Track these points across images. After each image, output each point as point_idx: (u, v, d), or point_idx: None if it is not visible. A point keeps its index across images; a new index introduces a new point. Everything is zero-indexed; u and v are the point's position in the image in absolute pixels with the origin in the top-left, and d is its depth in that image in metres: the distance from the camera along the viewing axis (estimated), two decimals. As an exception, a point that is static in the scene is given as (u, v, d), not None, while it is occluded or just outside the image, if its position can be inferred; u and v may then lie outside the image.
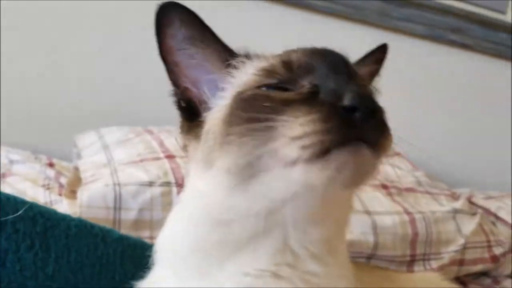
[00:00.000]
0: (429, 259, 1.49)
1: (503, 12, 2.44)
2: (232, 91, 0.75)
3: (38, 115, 1.88)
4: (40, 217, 0.92)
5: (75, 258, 0.93)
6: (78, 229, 0.96)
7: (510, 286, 1.58)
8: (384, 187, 1.64)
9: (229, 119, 0.71)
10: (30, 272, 0.88)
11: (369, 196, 1.55)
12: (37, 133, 1.87)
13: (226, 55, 0.78)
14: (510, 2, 2.44)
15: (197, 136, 0.78)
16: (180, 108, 0.82)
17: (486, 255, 1.57)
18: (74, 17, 1.89)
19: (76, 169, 1.45)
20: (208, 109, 0.78)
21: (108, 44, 1.85)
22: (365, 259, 1.41)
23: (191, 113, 0.81)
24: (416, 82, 2.38)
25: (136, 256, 0.98)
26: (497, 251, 1.59)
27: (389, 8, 2.24)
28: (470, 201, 1.85)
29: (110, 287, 0.96)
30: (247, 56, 0.79)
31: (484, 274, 1.61)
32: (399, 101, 2.36)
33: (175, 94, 0.82)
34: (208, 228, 0.74)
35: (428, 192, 1.71)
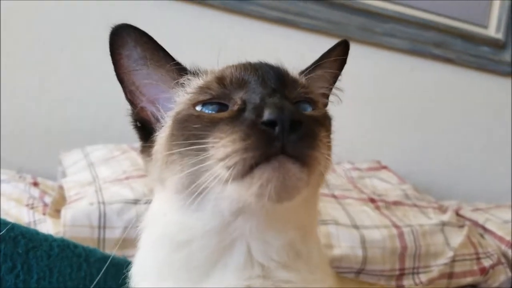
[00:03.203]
0: (418, 273, 1.49)
1: (484, 26, 2.49)
2: (174, 111, 0.76)
3: (23, 134, 1.86)
4: (22, 238, 0.91)
5: (57, 279, 0.91)
6: (61, 249, 0.94)
7: (500, 298, 1.57)
8: (372, 200, 1.64)
9: (170, 139, 0.72)
10: (11, 294, 0.86)
11: (357, 210, 1.55)
12: (22, 152, 1.85)
13: (177, 74, 0.79)
14: (491, 16, 2.49)
15: (150, 156, 0.78)
16: (136, 128, 0.82)
17: (475, 267, 1.56)
18: (60, 36, 1.89)
19: (61, 188, 1.43)
20: (160, 128, 0.78)
21: (93, 62, 1.84)
22: (354, 274, 1.40)
23: (146, 133, 0.81)
24: (400, 97, 2.41)
25: (121, 275, 0.96)
26: (486, 263, 1.58)
27: (371, 24, 2.27)
28: (458, 214, 1.85)
29: (94, 309, 0.94)
30: (195, 74, 0.79)
31: (473, 286, 1.61)
32: (383, 115, 2.39)
33: (132, 114, 0.82)
34: (169, 251, 0.73)
35: (415, 205, 1.71)
